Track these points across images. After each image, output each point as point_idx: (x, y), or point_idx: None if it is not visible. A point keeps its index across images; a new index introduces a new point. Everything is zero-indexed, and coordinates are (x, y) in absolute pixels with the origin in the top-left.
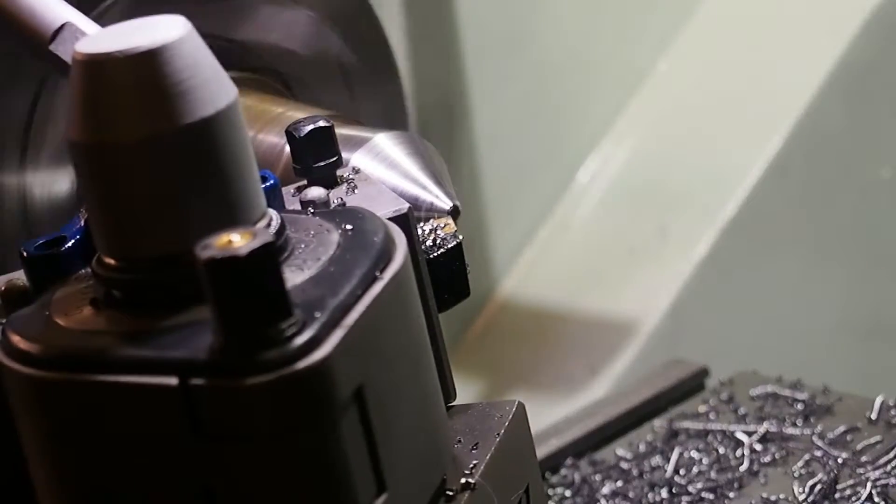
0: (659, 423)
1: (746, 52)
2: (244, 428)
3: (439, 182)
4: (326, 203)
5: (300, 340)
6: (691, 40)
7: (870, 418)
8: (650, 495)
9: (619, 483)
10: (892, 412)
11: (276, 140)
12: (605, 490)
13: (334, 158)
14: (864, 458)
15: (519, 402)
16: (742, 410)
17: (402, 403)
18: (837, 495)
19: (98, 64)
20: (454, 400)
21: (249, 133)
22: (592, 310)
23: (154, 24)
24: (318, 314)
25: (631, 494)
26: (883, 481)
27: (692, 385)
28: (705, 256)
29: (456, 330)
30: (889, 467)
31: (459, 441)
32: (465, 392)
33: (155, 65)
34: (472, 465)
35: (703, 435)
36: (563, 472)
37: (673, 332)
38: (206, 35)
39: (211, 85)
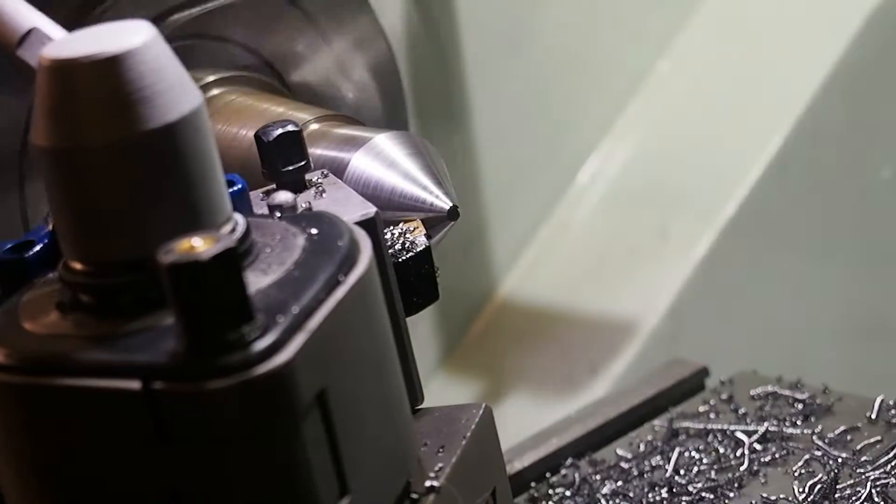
0: (659, 423)
1: (746, 52)
2: (206, 431)
3: (439, 182)
4: (293, 207)
5: (261, 345)
6: (691, 40)
7: (870, 418)
8: (650, 495)
9: (619, 483)
10: (892, 412)
11: None
12: (605, 490)
13: (303, 163)
14: (864, 458)
15: (486, 405)
16: (742, 410)
17: (366, 407)
18: (837, 495)
19: (63, 69)
20: (422, 403)
21: (250, 133)
22: (592, 310)
23: (120, 30)
24: (280, 318)
25: (631, 494)
26: (883, 481)
27: (692, 385)
28: (705, 256)
29: (456, 330)
30: (889, 467)
31: (426, 444)
32: (465, 392)
33: (119, 70)
34: (437, 468)
35: (704, 435)
36: (563, 472)
37: (673, 332)
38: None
39: (176, 90)
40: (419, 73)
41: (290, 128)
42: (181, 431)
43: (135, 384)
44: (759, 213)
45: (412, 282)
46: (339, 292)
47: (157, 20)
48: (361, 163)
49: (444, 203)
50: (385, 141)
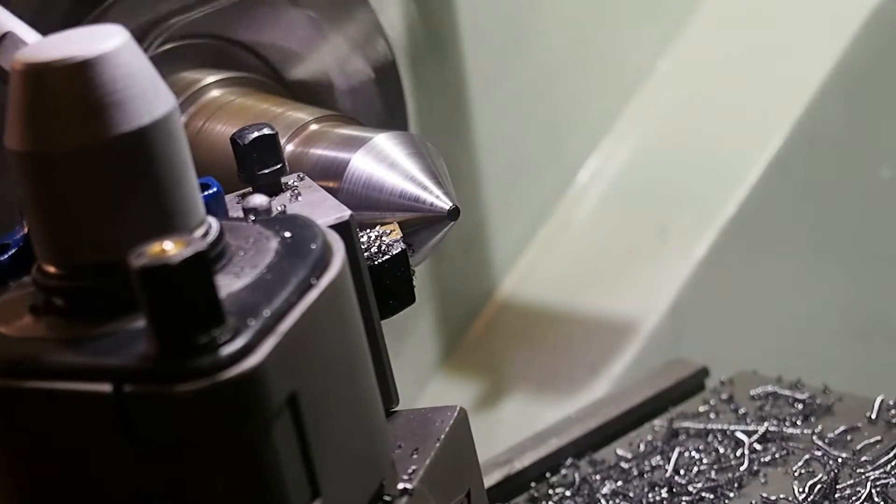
0: (659, 423)
1: (746, 52)
2: (176, 434)
3: (439, 182)
4: (268, 210)
5: (232, 348)
6: (691, 40)
7: (870, 418)
8: (650, 495)
9: (619, 483)
10: (892, 412)
11: None
12: (605, 490)
13: (278, 166)
14: (864, 458)
15: (461, 407)
16: (742, 410)
17: (338, 409)
18: (837, 495)
19: (36, 73)
20: (397, 405)
21: None
22: (592, 310)
23: (92, 34)
24: (251, 321)
25: (631, 494)
26: (883, 481)
27: (692, 385)
28: (705, 256)
29: (456, 330)
30: (889, 467)
31: (400, 446)
32: (465, 392)
33: (91, 74)
34: (411, 471)
35: (704, 435)
36: (563, 472)
37: (673, 332)
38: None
39: (148, 94)
40: (419, 73)
41: (266, 131)
42: (151, 434)
43: (105, 387)
44: (759, 213)
45: (388, 285)
46: (311, 295)
47: (157, 21)
48: (361, 163)
49: (444, 203)
50: (385, 141)
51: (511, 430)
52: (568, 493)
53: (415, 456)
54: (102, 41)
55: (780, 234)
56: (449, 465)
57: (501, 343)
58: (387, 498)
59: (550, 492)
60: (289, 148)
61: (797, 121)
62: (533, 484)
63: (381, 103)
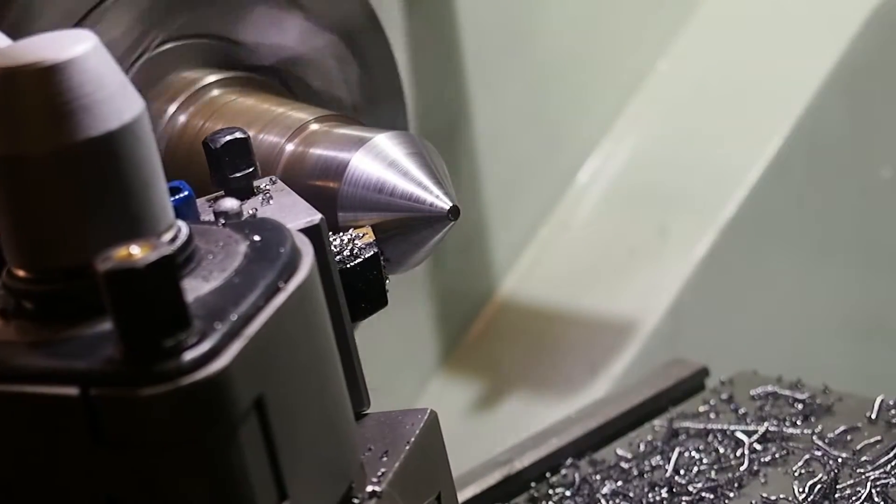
0: (659, 423)
1: (746, 52)
2: (142, 438)
3: (439, 182)
4: (238, 214)
5: (198, 352)
6: (691, 40)
7: (870, 418)
8: (650, 495)
9: (619, 483)
10: (892, 412)
11: (276, 140)
12: (605, 490)
13: (250, 169)
14: (864, 458)
15: (431, 410)
16: (742, 410)
17: (306, 412)
18: (837, 495)
19: (4, 77)
20: (368, 407)
21: (250, 133)
22: (592, 310)
23: (61, 39)
24: (218, 325)
25: (631, 494)
26: (883, 481)
27: (692, 385)
28: (705, 256)
29: (456, 330)
30: (889, 467)
31: (370, 449)
32: (465, 392)
33: (59, 79)
34: (380, 473)
35: (704, 435)
36: (563, 472)
37: (673, 332)
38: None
39: (117, 99)
40: (419, 73)
41: (238, 135)
42: (118, 438)
43: (73, 390)
44: (759, 213)
45: (360, 288)
46: (279, 299)
47: (158, 21)
48: (362, 163)
49: (444, 203)
50: (385, 141)
51: (511, 430)
52: (568, 493)
53: (384, 458)
54: (71, 46)
55: (780, 234)
56: (419, 467)
57: (501, 343)
58: (355, 500)
59: (550, 492)
60: (289, 148)
61: (797, 121)
62: (533, 484)
63: (381, 103)
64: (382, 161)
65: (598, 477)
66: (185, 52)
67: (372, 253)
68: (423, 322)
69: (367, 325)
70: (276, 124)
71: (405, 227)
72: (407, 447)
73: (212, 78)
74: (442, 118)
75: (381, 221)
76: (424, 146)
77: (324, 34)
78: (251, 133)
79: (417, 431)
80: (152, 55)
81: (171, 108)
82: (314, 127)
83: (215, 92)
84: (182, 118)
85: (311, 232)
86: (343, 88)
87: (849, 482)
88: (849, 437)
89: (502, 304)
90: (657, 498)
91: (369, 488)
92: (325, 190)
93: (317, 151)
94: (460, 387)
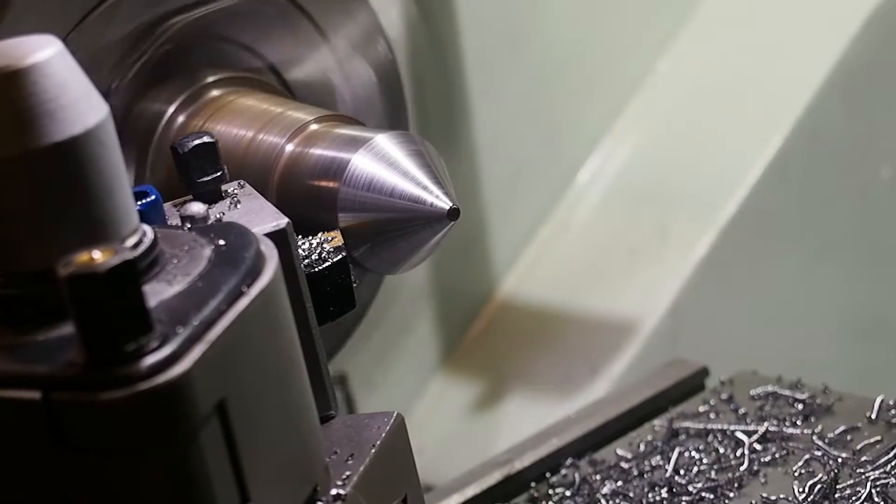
0: (659, 423)
1: (746, 52)
2: (103, 442)
3: (439, 182)
4: (205, 218)
5: (159, 356)
6: (691, 40)
7: (870, 418)
8: (650, 495)
9: (619, 483)
10: (892, 412)
11: (276, 140)
12: (605, 490)
13: (218, 174)
14: (864, 458)
15: (398, 413)
16: (742, 410)
17: (269, 416)
18: (837, 495)
19: None
20: (335, 411)
21: (249, 133)
22: (592, 310)
23: (25, 44)
24: (180, 329)
25: (631, 494)
26: (883, 481)
27: (692, 385)
28: (705, 256)
29: (456, 330)
30: (889, 467)
31: (335, 452)
32: (465, 392)
33: (22, 84)
34: (345, 476)
35: (704, 435)
36: (563, 472)
37: (673, 332)
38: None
39: (80, 104)
40: (419, 72)
41: (206, 139)
42: (79, 441)
43: (35, 394)
44: (759, 213)
45: (328, 291)
46: (242, 303)
47: (157, 21)
48: (361, 163)
49: (444, 203)
50: (385, 141)
51: (511, 430)
52: (568, 493)
53: (350, 461)
54: (34, 51)
55: (780, 234)
56: (385, 470)
57: (501, 343)
58: (319, 503)
59: (550, 492)
60: (289, 148)
61: (797, 121)
62: (533, 484)
63: (382, 103)
64: (382, 161)
65: (598, 477)
66: (186, 52)
67: (340, 257)
68: (423, 322)
69: (367, 325)
70: (276, 124)
71: (405, 227)
72: (373, 450)
73: (212, 79)
74: (442, 118)
75: (381, 221)
76: (424, 146)
77: (324, 35)
78: (251, 133)
79: (384, 435)
80: (152, 56)
81: (171, 109)
82: (314, 127)
83: (215, 93)
84: (181, 118)
85: (277, 236)
86: (343, 89)
87: (849, 482)
88: (849, 437)
89: (502, 304)
90: (657, 498)
91: (334, 491)
92: (325, 190)
93: (317, 151)
94: (460, 387)
